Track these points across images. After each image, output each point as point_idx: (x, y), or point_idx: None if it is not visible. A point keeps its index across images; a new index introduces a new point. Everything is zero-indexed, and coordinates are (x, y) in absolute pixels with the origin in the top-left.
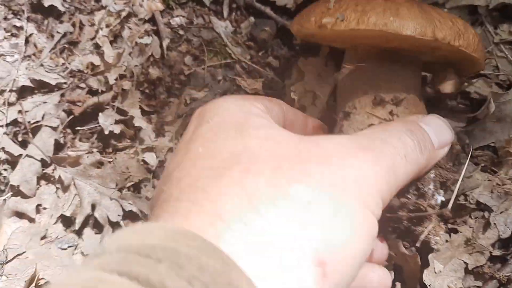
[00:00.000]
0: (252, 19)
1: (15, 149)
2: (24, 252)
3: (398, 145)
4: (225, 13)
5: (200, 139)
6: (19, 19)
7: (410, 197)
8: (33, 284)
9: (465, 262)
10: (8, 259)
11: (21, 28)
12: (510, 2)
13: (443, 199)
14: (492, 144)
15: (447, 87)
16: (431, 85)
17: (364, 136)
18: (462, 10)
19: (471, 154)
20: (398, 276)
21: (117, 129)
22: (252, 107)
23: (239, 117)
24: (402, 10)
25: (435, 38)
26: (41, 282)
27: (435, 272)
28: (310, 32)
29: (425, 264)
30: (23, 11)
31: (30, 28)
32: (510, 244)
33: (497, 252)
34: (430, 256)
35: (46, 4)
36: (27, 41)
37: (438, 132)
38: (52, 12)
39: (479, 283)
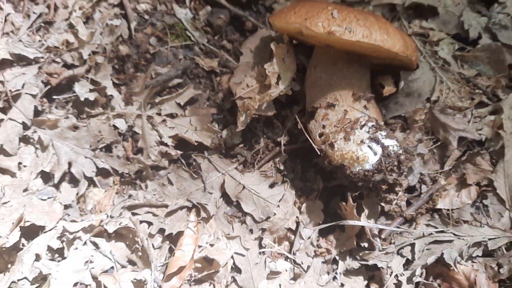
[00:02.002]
0: (209, 8)
1: None
2: (8, 201)
3: None
4: (187, 2)
5: None
6: None
7: (392, 174)
8: (20, 224)
9: (381, 206)
10: None
11: None
12: (421, 2)
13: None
14: (403, 115)
15: (388, 91)
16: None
17: None
18: (384, 8)
19: (386, 122)
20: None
21: (91, 96)
22: None
23: None
24: (390, 29)
25: (407, 54)
26: (27, 224)
27: (365, 215)
28: (308, 33)
29: (361, 209)
30: None
31: (7, 8)
32: (415, 190)
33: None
34: (362, 201)
35: None
36: (5, 20)
37: None
38: None
39: (389, 221)
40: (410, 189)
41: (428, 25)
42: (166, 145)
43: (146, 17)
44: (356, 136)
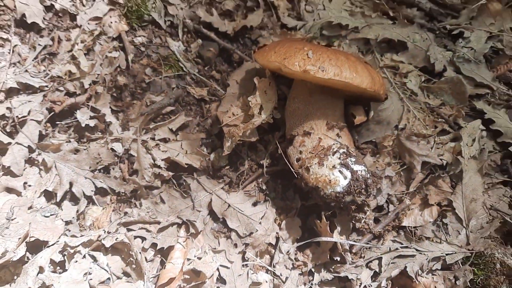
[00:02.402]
0: (200, 41)
1: (4, 138)
2: (14, 218)
3: None
4: (180, 35)
5: None
6: (5, 32)
7: (360, 196)
8: (26, 239)
9: (352, 223)
10: (1, 224)
11: (7, 40)
12: (392, 37)
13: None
14: (374, 140)
15: (359, 121)
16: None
17: None
18: (359, 41)
19: (359, 146)
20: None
21: (91, 123)
22: None
23: None
24: (359, 67)
25: (374, 89)
26: (31, 239)
27: (338, 231)
28: (286, 70)
29: (334, 227)
30: (9, 25)
31: (15, 40)
32: (383, 208)
33: (373, 215)
34: (334, 219)
35: (29, 21)
36: (12, 51)
37: None
38: (34, 28)
39: (360, 237)
40: (379, 208)
41: (398, 58)
42: (159, 167)
43: (142, 49)
44: (328, 162)
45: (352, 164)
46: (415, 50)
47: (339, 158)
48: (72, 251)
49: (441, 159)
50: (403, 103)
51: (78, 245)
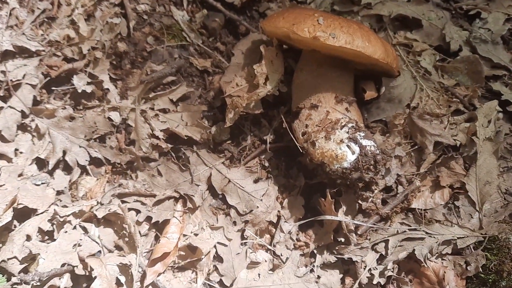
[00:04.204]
0: (205, 11)
1: None
2: (3, 185)
3: None
4: (185, 5)
5: None
6: None
7: (368, 173)
8: (13, 206)
9: (359, 203)
10: None
11: (5, 2)
12: (406, 14)
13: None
14: (384, 119)
15: (369, 96)
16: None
17: None
18: (372, 18)
19: (368, 125)
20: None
21: (88, 89)
22: None
23: None
24: (372, 37)
25: (387, 61)
26: (20, 206)
27: (343, 211)
28: (295, 37)
29: (339, 205)
30: None
31: (13, 2)
32: (391, 190)
33: (381, 195)
34: (340, 198)
35: None
36: (10, 14)
37: None
38: None
39: (366, 218)
40: (387, 189)
41: (412, 36)
42: (157, 138)
43: (145, 17)
44: (336, 136)
45: (361, 138)
46: (430, 28)
47: (347, 132)
48: (62, 220)
49: (454, 140)
50: (416, 81)
51: (69, 215)
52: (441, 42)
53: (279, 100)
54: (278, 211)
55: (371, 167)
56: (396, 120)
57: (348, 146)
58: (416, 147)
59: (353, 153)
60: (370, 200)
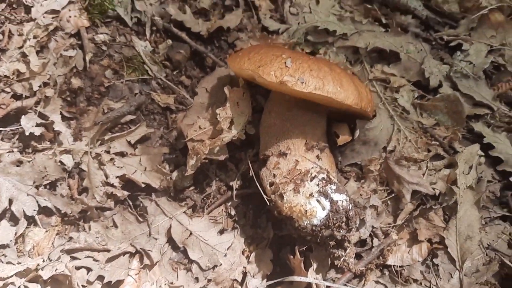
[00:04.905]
0: (169, 41)
1: None
2: None
3: None
4: (148, 34)
5: None
6: None
7: (340, 231)
8: None
9: (330, 260)
10: None
11: None
12: (384, 47)
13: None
14: (359, 163)
15: (343, 141)
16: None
17: None
18: (348, 49)
19: (342, 169)
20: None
21: (37, 131)
22: None
23: None
24: (344, 80)
25: (361, 107)
26: None
27: (313, 269)
28: (260, 80)
29: (309, 264)
30: None
31: None
32: (366, 243)
33: (355, 250)
34: (310, 255)
35: None
36: None
37: None
38: None
39: (339, 275)
40: (361, 242)
41: (389, 70)
42: (112, 185)
43: (104, 48)
44: (305, 189)
45: (332, 192)
46: (409, 62)
47: (318, 185)
48: (1, 283)
49: (433, 189)
50: (393, 121)
51: (12, 276)
52: (420, 77)
53: (247, 142)
54: (244, 267)
55: (343, 224)
56: (372, 165)
57: (318, 200)
58: (393, 195)
59: (323, 208)
60: (342, 258)
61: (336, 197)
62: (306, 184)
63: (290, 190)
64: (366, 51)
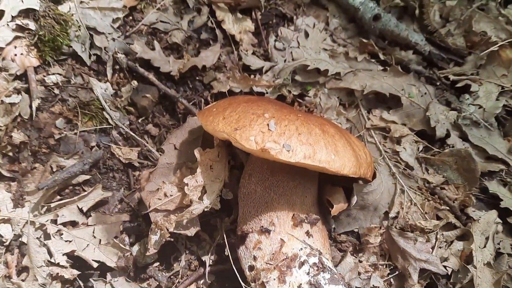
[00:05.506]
0: (135, 82)
1: None
2: None
3: None
4: (109, 75)
5: None
6: None
7: None
8: None
9: None
10: None
11: None
12: (382, 91)
13: None
14: (356, 230)
15: (337, 210)
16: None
17: None
18: (341, 91)
19: (336, 238)
20: None
21: None
22: None
23: None
24: (339, 145)
25: (359, 175)
26: None
27: None
28: (238, 146)
29: None
30: None
31: None
32: None
33: None
34: None
35: None
36: None
37: None
38: None
39: None
40: None
41: (389, 117)
42: (58, 265)
43: (56, 91)
44: (293, 278)
45: (325, 284)
46: (411, 107)
47: (308, 274)
48: None
49: (445, 266)
50: (395, 180)
51: None
52: (425, 126)
53: (223, 207)
54: None
55: None
56: (372, 237)
57: None
58: (397, 272)
59: None
60: None
61: None
62: (294, 272)
63: (274, 279)
64: (362, 93)
